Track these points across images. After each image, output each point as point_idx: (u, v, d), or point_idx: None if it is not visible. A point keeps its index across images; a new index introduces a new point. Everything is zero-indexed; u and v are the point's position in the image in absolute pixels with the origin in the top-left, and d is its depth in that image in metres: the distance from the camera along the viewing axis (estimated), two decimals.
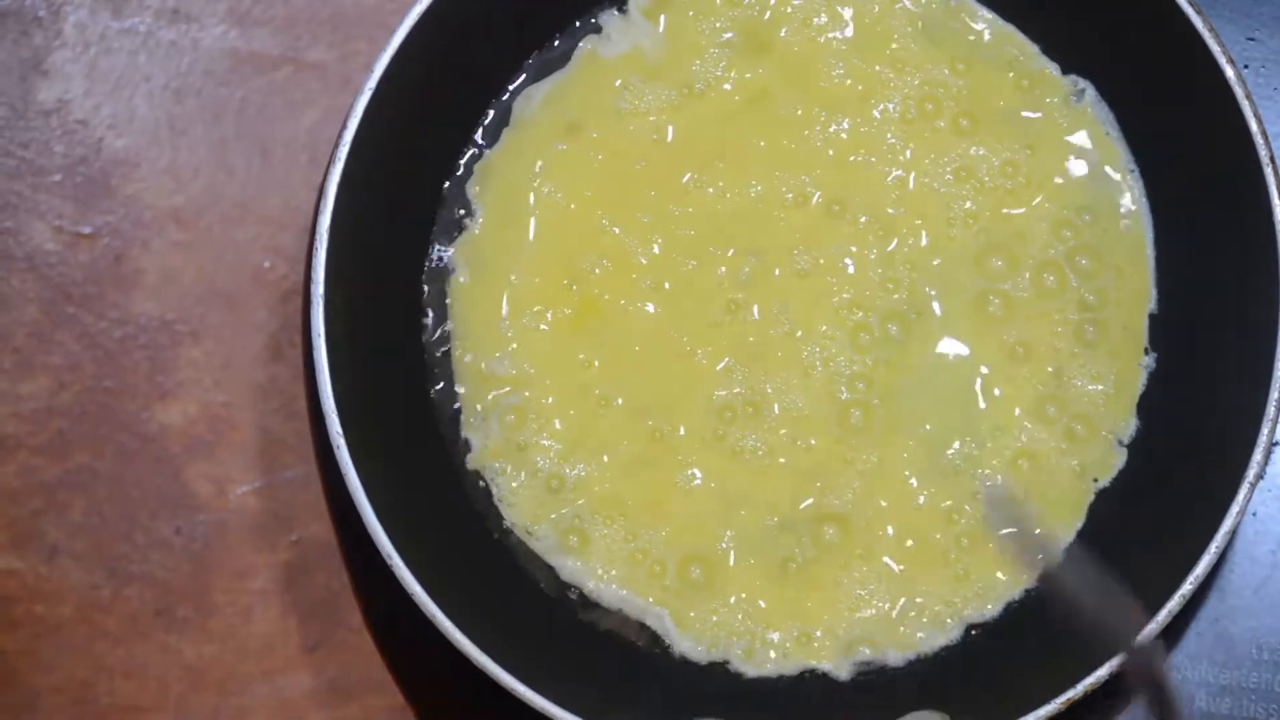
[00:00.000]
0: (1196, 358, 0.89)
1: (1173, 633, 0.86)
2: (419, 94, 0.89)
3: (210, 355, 0.95)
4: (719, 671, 0.89)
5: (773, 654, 0.89)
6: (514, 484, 0.91)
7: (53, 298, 0.96)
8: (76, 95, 0.97)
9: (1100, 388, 0.91)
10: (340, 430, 0.83)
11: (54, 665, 0.93)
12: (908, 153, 0.93)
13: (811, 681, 0.89)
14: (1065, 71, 0.94)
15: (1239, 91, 0.85)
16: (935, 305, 0.92)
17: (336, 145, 0.86)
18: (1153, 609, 0.81)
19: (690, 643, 0.89)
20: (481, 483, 0.91)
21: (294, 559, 0.94)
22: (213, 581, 0.93)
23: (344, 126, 0.86)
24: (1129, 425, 0.91)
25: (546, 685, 0.82)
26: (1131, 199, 0.92)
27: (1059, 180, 0.93)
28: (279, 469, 0.94)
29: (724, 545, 0.90)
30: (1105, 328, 0.91)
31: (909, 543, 0.90)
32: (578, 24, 0.95)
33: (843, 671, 0.89)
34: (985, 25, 0.95)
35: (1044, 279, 0.92)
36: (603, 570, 0.90)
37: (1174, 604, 0.81)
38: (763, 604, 0.90)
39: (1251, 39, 0.95)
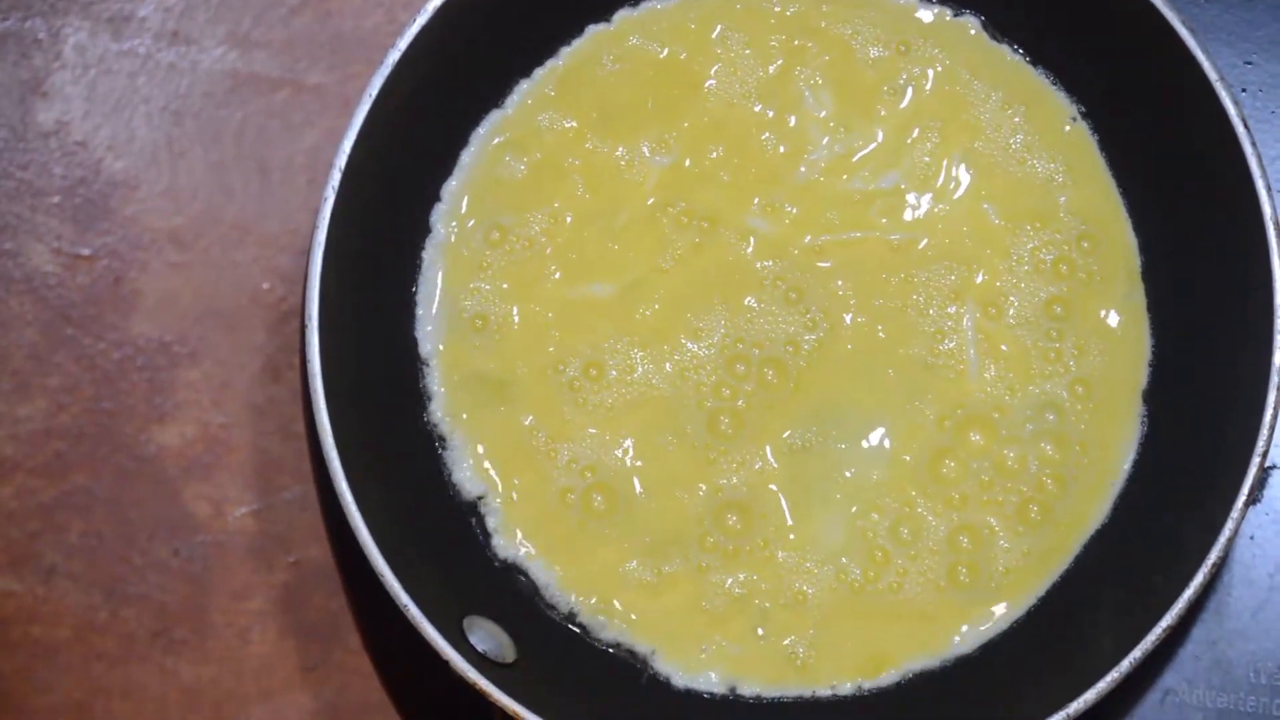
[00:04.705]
0: (1188, 396, 0.88)
1: (1170, 656, 0.86)
2: (416, 114, 0.89)
3: (208, 377, 0.95)
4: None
5: None
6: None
7: (51, 319, 0.96)
8: (76, 117, 0.97)
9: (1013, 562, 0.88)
10: (336, 452, 0.83)
11: (51, 687, 0.92)
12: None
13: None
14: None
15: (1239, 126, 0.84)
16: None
17: (333, 167, 0.86)
18: (1143, 632, 0.81)
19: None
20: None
21: (292, 580, 0.94)
22: (210, 603, 0.93)
23: (339, 148, 0.86)
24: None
25: (545, 707, 0.82)
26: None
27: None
28: (277, 490, 0.94)
29: None
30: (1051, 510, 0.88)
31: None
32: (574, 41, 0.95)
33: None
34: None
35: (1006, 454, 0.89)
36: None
37: (1165, 624, 0.80)
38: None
39: (1249, 63, 0.95)
